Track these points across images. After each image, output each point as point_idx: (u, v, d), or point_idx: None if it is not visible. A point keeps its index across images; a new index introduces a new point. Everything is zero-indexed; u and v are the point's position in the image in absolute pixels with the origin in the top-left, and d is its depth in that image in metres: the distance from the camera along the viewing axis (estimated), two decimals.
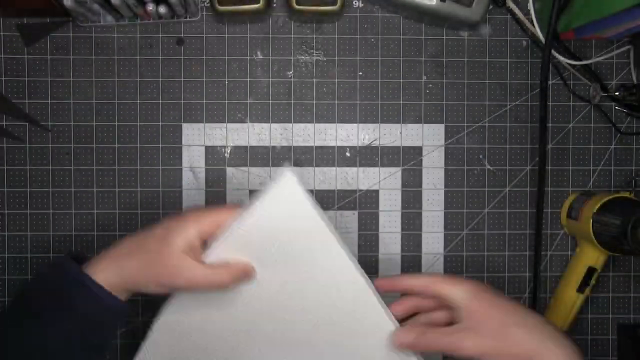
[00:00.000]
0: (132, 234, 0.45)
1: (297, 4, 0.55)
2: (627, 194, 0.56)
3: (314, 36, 0.60)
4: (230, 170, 0.60)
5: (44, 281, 0.44)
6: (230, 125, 0.60)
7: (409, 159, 0.61)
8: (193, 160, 0.60)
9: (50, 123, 0.59)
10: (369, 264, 0.61)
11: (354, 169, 0.61)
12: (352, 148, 0.61)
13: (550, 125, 0.61)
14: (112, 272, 0.43)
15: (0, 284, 0.59)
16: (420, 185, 0.61)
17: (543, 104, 0.55)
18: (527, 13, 0.60)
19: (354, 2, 0.60)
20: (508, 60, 0.61)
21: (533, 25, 0.59)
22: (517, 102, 0.61)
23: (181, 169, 0.60)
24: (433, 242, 0.61)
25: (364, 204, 0.61)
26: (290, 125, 0.60)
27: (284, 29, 0.60)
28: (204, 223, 0.44)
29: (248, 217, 0.45)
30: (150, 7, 0.54)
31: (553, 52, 0.59)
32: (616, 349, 0.62)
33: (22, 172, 0.59)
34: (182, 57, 0.59)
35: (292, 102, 0.60)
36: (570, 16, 0.55)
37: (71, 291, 0.43)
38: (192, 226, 0.44)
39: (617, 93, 0.59)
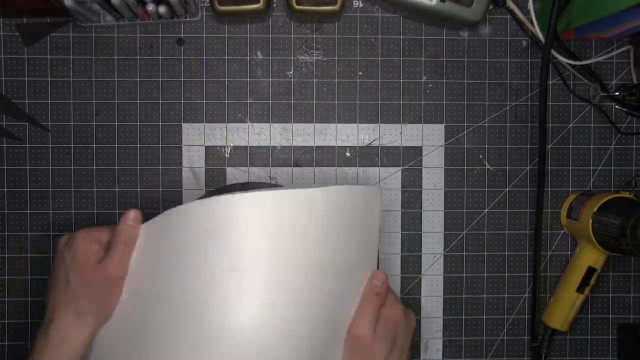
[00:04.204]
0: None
1: (297, 4, 0.55)
2: (627, 194, 0.56)
3: (314, 36, 0.60)
4: (230, 170, 0.60)
5: None
6: (230, 125, 0.60)
7: (409, 159, 0.61)
8: (193, 160, 0.60)
9: (50, 123, 0.59)
10: None
11: (354, 169, 0.61)
12: (352, 148, 0.61)
13: (550, 125, 0.61)
14: None
15: (0, 284, 0.59)
16: (420, 185, 0.61)
17: (543, 104, 0.55)
18: (527, 13, 0.60)
19: (354, 2, 0.60)
20: (508, 60, 0.61)
21: (533, 25, 0.58)
22: (517, 102, 0.61)
23: (181, 169, 0.60)
24: (433, 242, 0.61)
25: None
26: (290, 125, 0.60)
27: (284, 29, 0.60)
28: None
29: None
30: (150, 7, 0.54)
31: (553, 52, 0.59)
32: (616, 349, 0.62)
33: (22, 172, 0.59)
34: (182, 57, 0.59)
35: (292, 102, 0.60)
36: (570, 16, 0.55)
37: None
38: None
39: (617, 93, 0.59)
